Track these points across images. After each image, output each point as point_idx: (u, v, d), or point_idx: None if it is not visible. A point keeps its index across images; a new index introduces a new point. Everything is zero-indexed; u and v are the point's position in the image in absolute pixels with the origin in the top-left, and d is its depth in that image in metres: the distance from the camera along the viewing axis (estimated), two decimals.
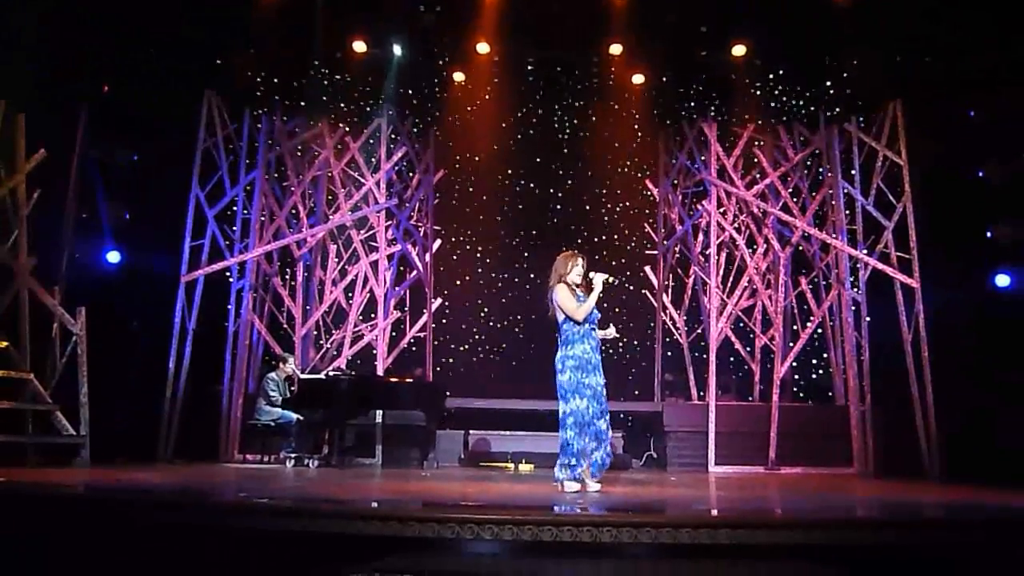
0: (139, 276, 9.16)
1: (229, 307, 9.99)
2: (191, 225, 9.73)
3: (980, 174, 8.63)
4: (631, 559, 3.35)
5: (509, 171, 11.31)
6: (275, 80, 9.67)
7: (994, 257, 8.61)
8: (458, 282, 11.27)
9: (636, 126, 10.81)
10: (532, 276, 11.18)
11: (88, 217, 8.99)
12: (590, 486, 5.25)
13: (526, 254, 11.25)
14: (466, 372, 10.93)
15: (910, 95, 9.28)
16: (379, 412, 9.33)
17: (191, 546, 3.46)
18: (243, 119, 10.25)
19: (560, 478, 5.24)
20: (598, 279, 5.38)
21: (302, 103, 10.04)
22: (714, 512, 4.22)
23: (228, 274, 10.04)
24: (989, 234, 8.61)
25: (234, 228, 10.15)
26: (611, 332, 5.63)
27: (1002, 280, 8.59)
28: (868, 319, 9.71)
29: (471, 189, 11.34)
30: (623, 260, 11.01)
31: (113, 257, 9.18)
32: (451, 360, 11.00)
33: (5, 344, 6.86)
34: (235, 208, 10.19)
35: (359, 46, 9.60)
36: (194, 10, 8.54)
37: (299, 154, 10.67)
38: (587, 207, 11.34)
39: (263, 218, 10.32)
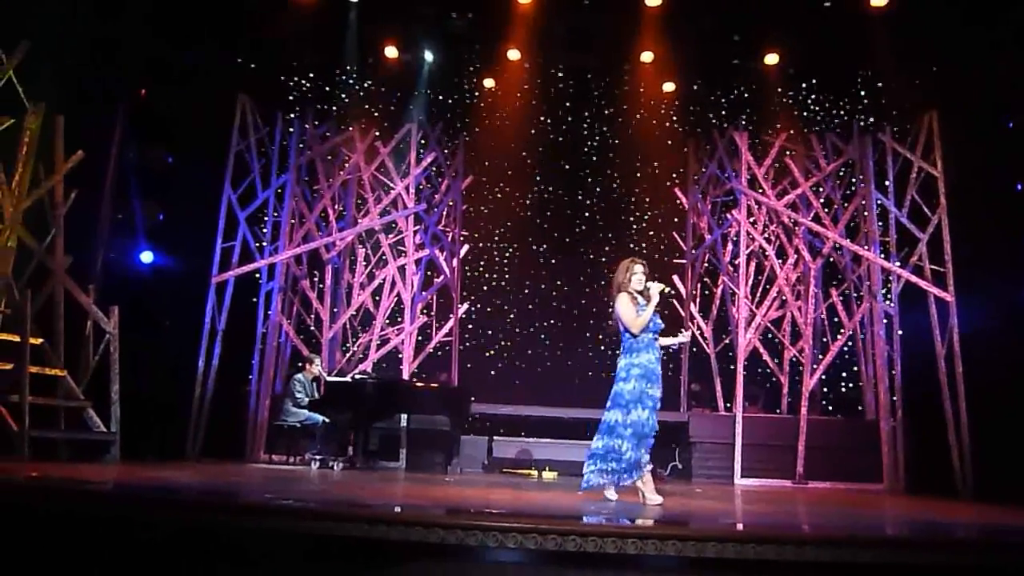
0: (171, 276, 9.31)
1: (258, 308, 10.09)
2: (223, 226, 9.85)
3: (1018, 187, 8.45)
4: (655, 571, 3.32)
5: (538, 177, 11.31)
6: (307, 85, 9.78)
7: None
8: (485, 288, 11.28)
9: (666, 134, 10.75)
10: (559, 283, 11.18)
11: (123, 218, 9.16)
12: (609, 494, 5.21)
13: (553, 261, 11.25)
14: (491, 378, 10.93)
15: (946, 105, 9.13)
16: (404, 416, 9.36)
17: (214, 546, 3.49)
18: (275, 123, 10.37)
19: (594, 483, 5.17)
20: (655, 289, 5.30)
21: (334, 108, 10.15)
22: (740, 526, 4.17)
23: (258, 275, 10.15)
24: None
25: (265, 230, 10.27)
26: (683, 337, 5.58)
27: None
28: (900, 332, 9.55)
29: (499, 195, 11.35)
30: (651, 269, 10.89)
31: (146, 257, 9.33)
32: (476, 366, 11.00)
33: (40, 341, 6.98)
34: (266, 211, 10.31)
35: (391, 52, 9.68)
36: (229, 14, 8.66)
37: (330, 158, 10.77)
38: (616, 215, 11.30)
39: (293, 221, 10.43)
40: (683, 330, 5.69)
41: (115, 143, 8.89)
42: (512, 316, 11.19)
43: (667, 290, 5.35)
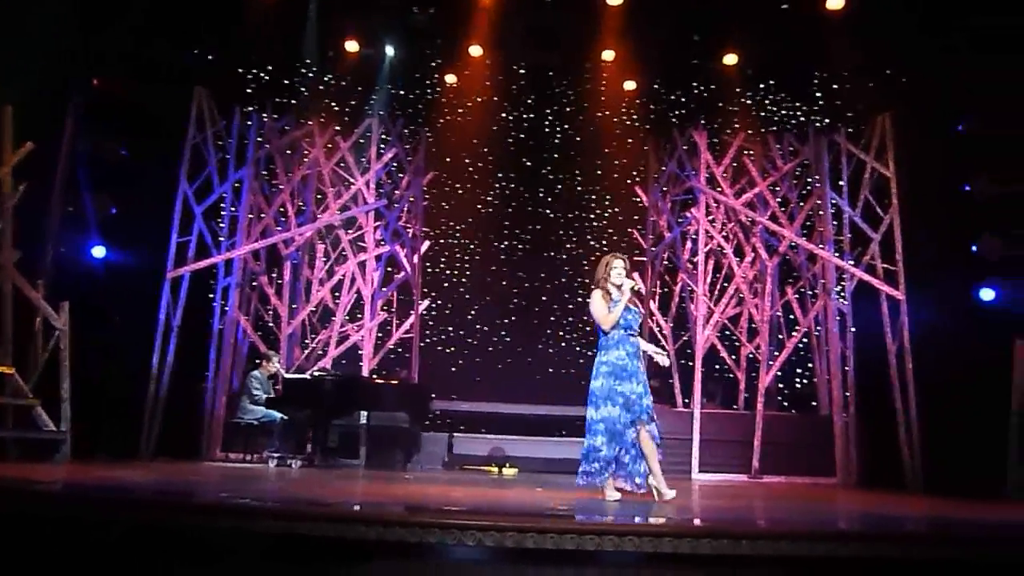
0: (125, 271, 9.09)
1: (215, 304, 9.93)
2: (178, 221, 9.66)
3: (967, 188, 8.69)
4: (614, 567, 3.35)
5: (499, 174, 11.29)
6: (266, 78, 9.62)
7: (979, 271, 8.67)
8: (446, 284, 11.24)
9: (627, 132, 10.81)
10: (520, 280, 11.19)
11: (74, 211, 8.91)
12: (609, 494, 5.20)
13: (514, 257, 11.25)
14: (452, 375, 10.90)
15: (900, 108, 9.33)
16: (364, 413, 9.30)
17: (169, 546, 3.42)
18: (233, 116, 10.19)
19: (581, 483, 5.21)
20: (626, 286, 5.28)
21: (293, 102, 10.01)
22: (697, 521, 4.22)
23: (215, 271, 9.98)
24: (974, 248, 8.66)
25: (222, 225, 10.09)
26: (661, 359, 5.58)
27: (987, 294, 8.66)
28: (853, 329, 9.76)
29: (461, 191, 11.32)
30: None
31: (98, 252, 9.10)
32: (437, 362, 10.96)
33: None
34: (223, 205, 10.13)
35: (351, 46, 9.58)
36: (187, 5, 8.49)
37: (289, 153, 10.63)
38: (576, 212, 11.34)
39: (251, 216, 10.27)
40: (665, 352, 5.73)
41: (66, 135, 8.66)
42: (473, 313, 11.17)
43: (636, 287, 5.37)
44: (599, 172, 11.26)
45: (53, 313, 7.31)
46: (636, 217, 11.29)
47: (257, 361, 9.37)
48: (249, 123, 10.31)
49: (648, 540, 3.31)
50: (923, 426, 8.70)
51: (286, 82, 9.73)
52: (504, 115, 10.78)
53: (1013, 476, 7.04)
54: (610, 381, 5.21)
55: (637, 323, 5.41)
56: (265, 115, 10.31)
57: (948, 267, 8.69)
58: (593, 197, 11.35)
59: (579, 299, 10.97)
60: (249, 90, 9.69)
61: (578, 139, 11.02)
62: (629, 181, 11.25)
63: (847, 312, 9.81)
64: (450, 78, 10.15)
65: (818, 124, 10.11)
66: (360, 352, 10.00)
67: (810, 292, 10.28)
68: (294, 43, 9.35)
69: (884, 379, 9.07)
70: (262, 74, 9.57)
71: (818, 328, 10.09)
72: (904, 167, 9.38)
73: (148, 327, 9.29)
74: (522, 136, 11.09)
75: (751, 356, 10.10)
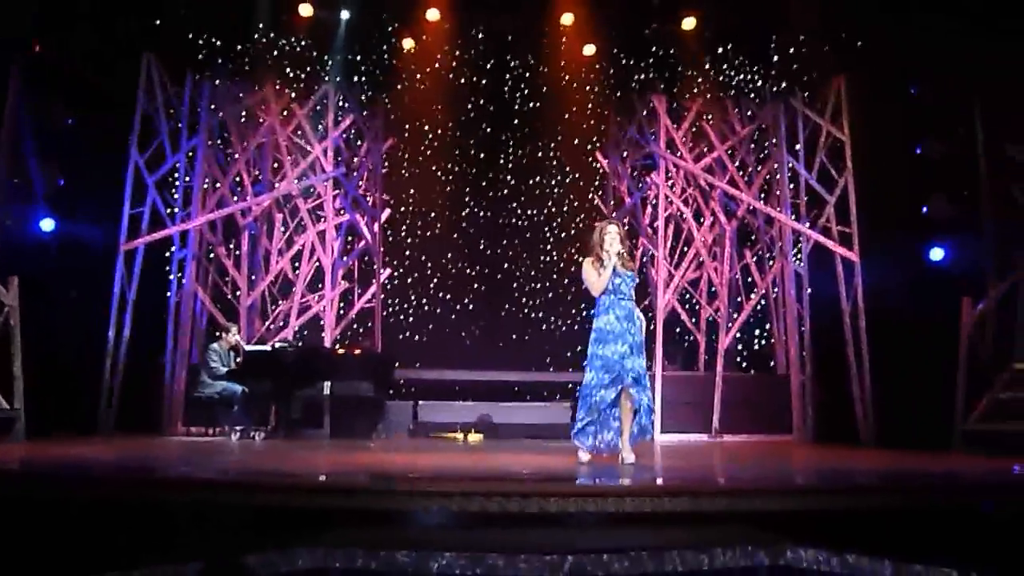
0: (75, 245, 8.85)
1: (171, 278, 9.74)
2: (130, 192, 9.41)
3: (918, 150, 8.86)
4: (578, 528, 3.41)
5: (459, 141, 11.18)
6: (218, 43, 9.34)
7: (929, 231, 8.89)
8: (407, 253, 11.17)
9: (586, 98, 10.76)
10: (481, 247, 11.17)
11: (19, 182, 8.62)
12: (581, 456, 5.37)
13: (476, 224, 11.20)
14: (415, 343, 10.89)
15: (854, 71, 9.43)
16: (327, 384, 9.25)
17: (131, 522, 3.40)
18: (185, 83, 9.89)
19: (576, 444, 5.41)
20: (612, 251, 5.33)
21: (246, 67, 9.74)
22: (659, 481, 4.31)
23: (170, 243, 9.77)
24: (925, 209, 8.86)
25: (176, 196, 9.87)
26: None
27: (936, 254, 8.89)
28: (809, 291, 9.95)
29: (420, 159, 11.19)
30: (572, 232, 11.04)
31: (47, 225, 8.82)
32: (400, 331, 10.94)
33: None
34: (177, 175, 9.89)
35: (305, 9, 9.35)
36: None
37: (243, 120, 10.38)
38: (537, 178, 11.30)
39: (206, 186, 10.05)
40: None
41: (8, 103, 8.33)
42: (435, 281, 11.13)
43: (621, 251, 5.39)
44: (559, 138, 11.22)
45: (1, 289, 7.11)
46: (597, 183, 11.31)
47: (216, 333, 9.24)
48: (202, 91, 10.03)
49: (611, 500, 3.38)
50: (876, 383, 8.94)
51: (239, 47, 9.46)
52: (463, 80, 10.65)
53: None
54: (594, 347, 5.34)
55: (629, 286, 5.44)
56: (218, 82, 10.02)
57: (901, 228, 8.89)
58: (553, 163, 11.32)
59: (541, 265, 11.01)
60: (200, 56, 9.40)
61: (538, 104, 10.94)
62: (589, 147, 11.23)
63: (803, 274, 9.99)
64: (408, 43, 9.97)
65: (775, 88, 10.17)
66: (322, 322, 9.92)
67: (768, 255, 10.43)
68: (247, 6, 9.10)
69: (839, 339, 9.29)
70: (214, 39, 9.29)
71: (775, 290, 10.26)
72: (858, 130, 9.50)
73: (103, 301, 9.09)
74: (481, 102, 10.97)
75: (711, 319, 10.26)
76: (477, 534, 3.36)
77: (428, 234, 11.20)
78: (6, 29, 7.98)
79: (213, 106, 10.10)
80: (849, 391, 9.11)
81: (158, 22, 8.96)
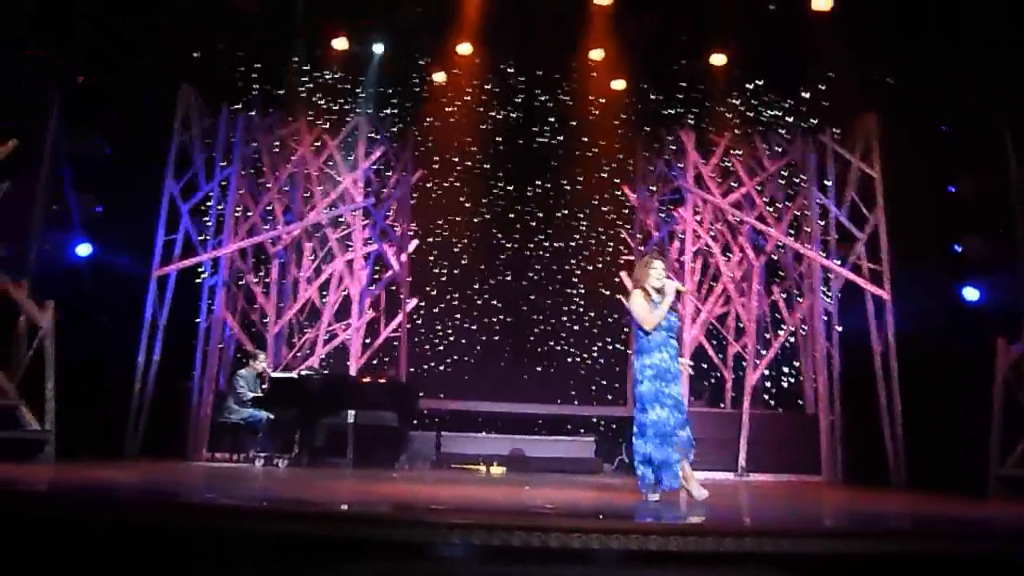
0: (110, 270, 9.01)
1: (201, 303, 9.87)
2: (164, 220, 9.61)
3: (951, 189, 8.75)
4: (600, 565, 3.36)
5: (488, 173, 11.28)
6: (254, 76, 9.57)
7: (963, 270, 8.74)
8: (434, 283, 11.22)
9: (615, 131, 10.81)
10: (508, 279, 11.19)
11: (58, 210, 8.83)
12: (696, 492, 5.28)
13: (502, 256, 11.23)
14: (440, 373, 10.89)
15: (885, 109, 9.40)
16: (351, 412, 9.26)
17: (155, 547, 3.41)
18: (220, 114, 10.13)
19: (641, 487, 5.25)
20: (670, 287, 5.27)
21: (280, 98, 9.95)
22: (683, 519, 4.24)
23: (201, 270, 9.92)
24: (959, 248, 8.73)
25: (208, 223, 10.04)
26: (684, 363, 5.56)
27: (971, 293, 8.72)
28: (839, 328, 9.82)
29: (449, 190, 11.29)
30: (599, 265, 11.04)
31: (83, 250, 9.01)
32: (425, 361, 10.95)
33: None
34: (210, 204, 10.07)
35: (340, 43, 9.54)
36: (174, 2, 8.43)
37: (276, 151, 10.57)
38: (565, 211, 11.33)
39: (238, 214, 10.22)
40: (684, 360, 5.73)
41: (51, 132, 8.56)
42: (461, 312, 11.16)
43: (684, 288, 5.35)
44: (587, 171, 11.27)
45: (37, 312, 7.25)
46: (624, 216, 11.31)
47: (244, 360, 9.32)
48: (235, 119, 10.24)
49: (634, 538, 3.33)
50: (907, 423, 8.77)
51: (274, 80, 9.67)
52: (492, 113, 10.76)
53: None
54: (657, 384, 5.20)
55: (677, 326, 5.40)
56: (252, 113, 10.24)
57: (933, 267, 8.76)
58: (581, 196, 11.35)
59: (566, 298, 11.00)
60: (237, 87, 9.62)
61: (566, 138, 11.02)
62: (617, 180, 11.26)
63: (833, 311, 9.87)
64: (439, 76, 10.12)
65: (804, 124, 10.15)
66: (348, 351, 9.97)
67: (796, 291, 10.34)
68: (282, 40, 9.30)
69: (869, 377, 9.14)
70: (250, 72, 9.51)
71: (804, 327, 10.14)
72: (889, 167, 9.44)
73: (134, 326, 9.23)
74: (510, 134, 11.07)
75: (738, 355, 10.14)
76: (498, 568, 3.33)
77: (455, 265, 11.26)
78: (47, 62, 8.23)
79: (247, 137, 10.30)
80: (879, 432, 8.93)
81: (196, 55, 9.19)
